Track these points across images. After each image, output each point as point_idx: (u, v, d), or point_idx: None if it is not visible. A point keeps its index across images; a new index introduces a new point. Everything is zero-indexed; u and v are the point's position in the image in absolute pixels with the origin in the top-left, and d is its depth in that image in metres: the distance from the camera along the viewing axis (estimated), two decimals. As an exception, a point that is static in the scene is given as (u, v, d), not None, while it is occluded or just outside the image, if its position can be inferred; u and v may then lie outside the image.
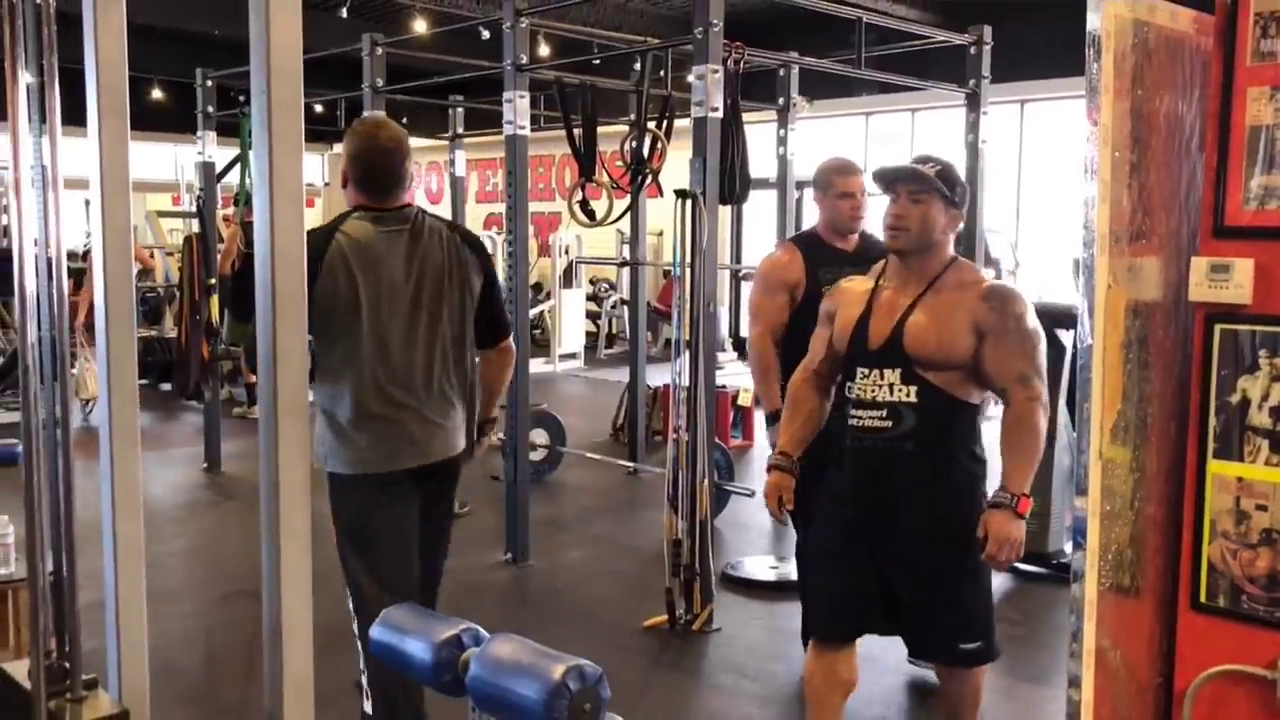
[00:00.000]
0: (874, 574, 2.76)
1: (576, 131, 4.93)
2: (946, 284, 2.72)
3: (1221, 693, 2.36)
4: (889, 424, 2.70)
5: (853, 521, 2.78)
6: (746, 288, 12.64)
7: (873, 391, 2.71)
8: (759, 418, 7.59)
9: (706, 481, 4.26)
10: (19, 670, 1.65)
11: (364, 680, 2.93)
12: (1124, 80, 2.19)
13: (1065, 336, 4.51)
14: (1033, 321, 2.68)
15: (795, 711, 3.61)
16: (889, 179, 2.75)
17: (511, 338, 3.17)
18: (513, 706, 2.03)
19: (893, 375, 2.69)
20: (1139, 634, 2.46)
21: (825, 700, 2.83)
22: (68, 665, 1.61)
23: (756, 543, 5.68)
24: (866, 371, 2.73)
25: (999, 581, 4.62)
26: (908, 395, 2.69)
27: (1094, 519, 2.22)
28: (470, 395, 3.06)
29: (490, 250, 3.17)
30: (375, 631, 2.33)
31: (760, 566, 5.09)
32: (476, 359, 3.06)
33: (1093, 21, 2.12)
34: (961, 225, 2.90)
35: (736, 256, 13.65)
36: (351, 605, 2.91)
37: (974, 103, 5.17)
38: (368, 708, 2.93)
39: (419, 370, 2.87)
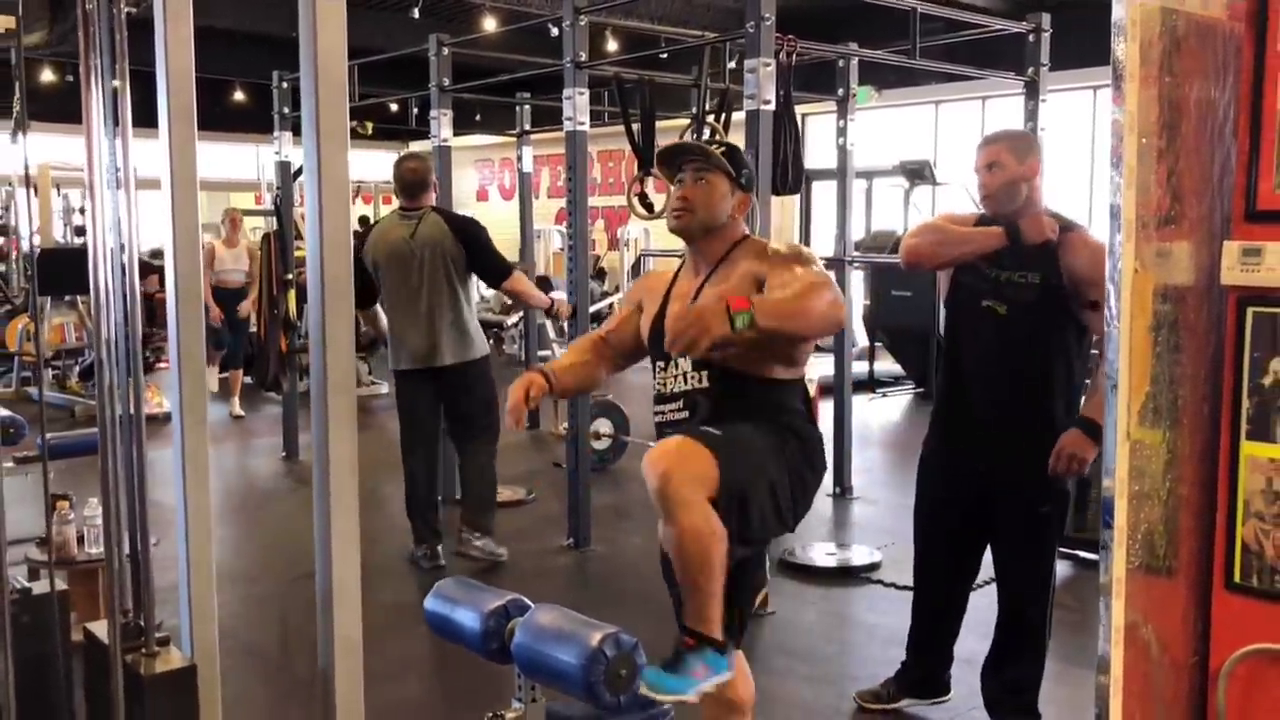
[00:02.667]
0: None
1: (635, 126, 5.03)
2: (734, 259, 2.64)
3: (1256, 671, 2.39)
4: (685, 414, 2.63)
5: None
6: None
7: (670, 384, 2.66)
8: (826, 408, 7.63)
9: (761, 467, 4.33)
10: (102, 629, 1.80)
11: None
12: (1150, 68, 2.22)
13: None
14: (817, 261, 2.61)
15: (845, 693, 3.68)
16: (672, 157, 2.68)
17: (513, 278, 5.02)
18: (554, 671, 2.16)
19: (685, 364, 2.60)
20: (1174, 613, 2.49)
21: None
22: (142, 624, 1.76)
23: (816, 530, 5.74)
24: (664, 365, 2.67)
25: (1062, 569, 4.63)
26: (700, 382, 2.60)
27: (1121, 499, 2.26)
28: (464, 323, 4.83)
29: (477, 230, 4.91)
30: (429, 602, 2.47)
31: (818, 553, 5.15)
32: (475, 297, 5.06)
33: (1117, 11, 2.16)
34: (753, 210, 2.80)
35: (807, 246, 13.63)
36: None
37: (1033, 91, 5.16)
38: None
39: (418, 306, 4.77)
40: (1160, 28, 2.24)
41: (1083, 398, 3.03)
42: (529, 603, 2.34)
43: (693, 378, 2.61)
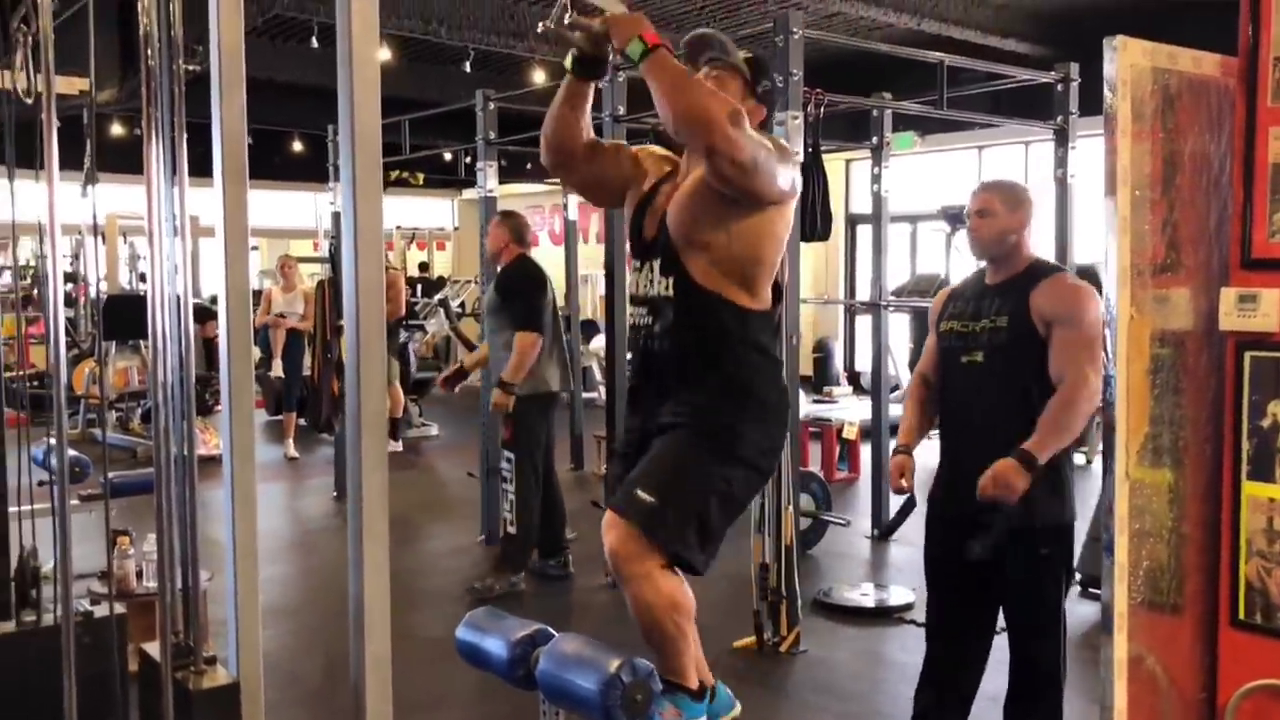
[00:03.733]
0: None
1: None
2: None
3: (1262, 707, 2.44)
4: (649, 320, 2.69)
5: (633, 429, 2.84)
6: (862, 321, 12.74)
7: (643, 287, 2.72)
8: (865, 451, 7.69)
9: (791, 508, 4.44)
10: (155, 649, 1.96)
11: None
12: (1143, 123, 2.34)
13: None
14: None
15: (873, 729, 3.75)
16: (695, 45, 2.72)
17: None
18: (574, 697, 2.29)
19: (656, 269, 2.67)
20: (1181, 649, 2.56)
21: None
22: (191, 645, 1.91)
23: (853, 571, 5.80)
24: (639, 265, 2.74)
25: (1087, 610, 4.66)
26: (666, 290, 2.65)
27: (1121, 536, 2.35)
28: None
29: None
30: (460, 632, 2.61)
31: (852, 593, 5.22)
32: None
33: (1109, 70, 2.28)
34: (763, 120, 2.74)
35: (850, 291, 13.72)
36: None
37: (1062, 138, 5.26)
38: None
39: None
40: (1152, 85, 2.35)
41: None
42: (553, 632, 2.47)
43: (660, 283, 2.64)
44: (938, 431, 3.30)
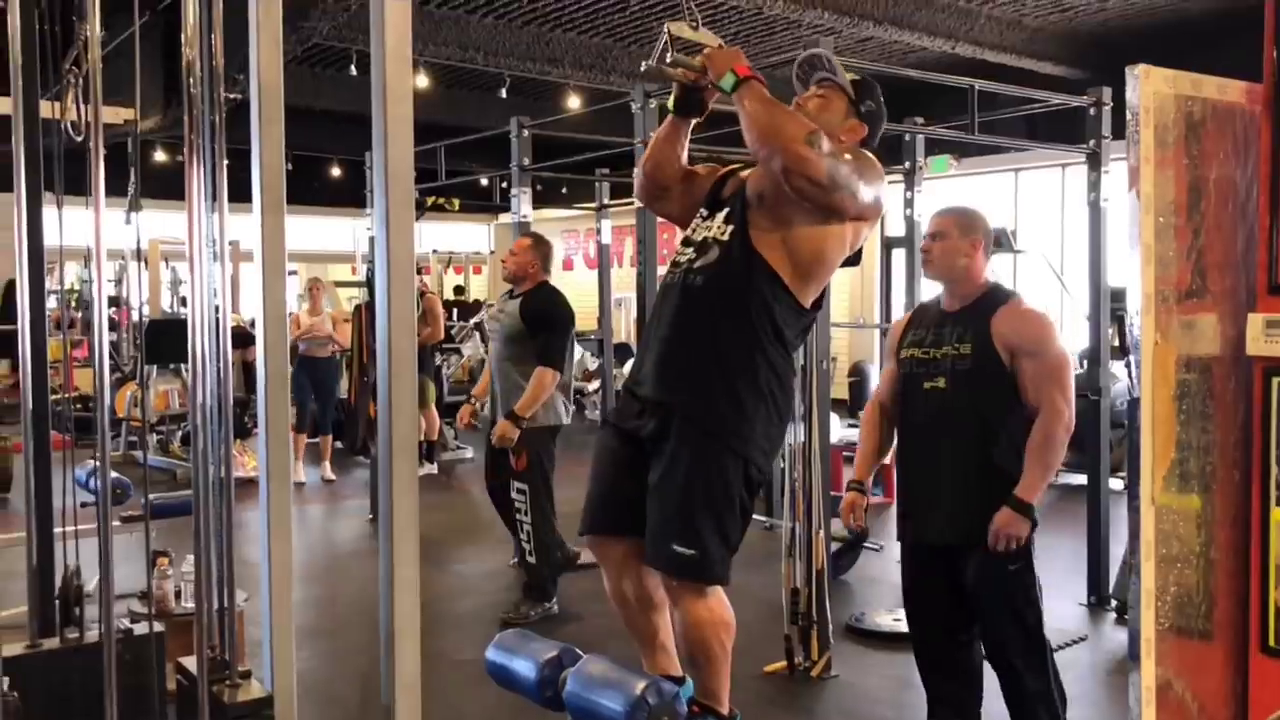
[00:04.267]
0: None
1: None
2: None
3: (1293, 735, 2.43)
4: (692, 256, 2.81)
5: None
6: (897, 347, 12.65)
7: (700, 231, 2.85)
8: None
9: (822, 533, 4.44)
10: (193, 664, 2.01)
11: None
12: (1166, 151, 2.35)
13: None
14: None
15: (903, 754, 3.73)
16: (806, 65, 2.92)
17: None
18: (601, 717, 2.31)
19: (721, 218, 2.81)
20: (1212, 676, 2.55)
21: (632, 620, 3.01)
22: (227, 659, 1.96)
23: (886, 597, 5.76)
24: (707, 214, 2.87)
25: (1122, 637, 4.62)
26: (723, 235, 2.77)
27: (1148, 561, 2.35)
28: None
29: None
30: (490, 653, 2.65)
31: (884, 618, 5.20)
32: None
33: (1131, 99, 2.30)
34: (859, 144, 2.87)
35: (885, 315, 13.67)
36: None
37: (1094, 162, 5.25)
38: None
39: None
40: (1176, 112, 2.37)
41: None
42: (580, 653, 2.50)
43: (718, 228, 2.79)
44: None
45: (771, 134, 2.60)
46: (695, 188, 2.98)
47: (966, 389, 3.00)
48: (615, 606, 3.06)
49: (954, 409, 3.03)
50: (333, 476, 9.19)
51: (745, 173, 2.88)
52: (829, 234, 2.74)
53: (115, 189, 2.40)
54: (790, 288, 2.75)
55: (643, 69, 2.78)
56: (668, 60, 2.70)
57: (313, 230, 16.25)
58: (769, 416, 2.78)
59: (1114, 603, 5.09)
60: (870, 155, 2.82)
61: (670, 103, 2.84)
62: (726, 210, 2.81)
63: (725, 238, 2.76)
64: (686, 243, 2.87)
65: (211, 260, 2.21)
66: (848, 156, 2.70)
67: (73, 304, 10.86)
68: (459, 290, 16.03)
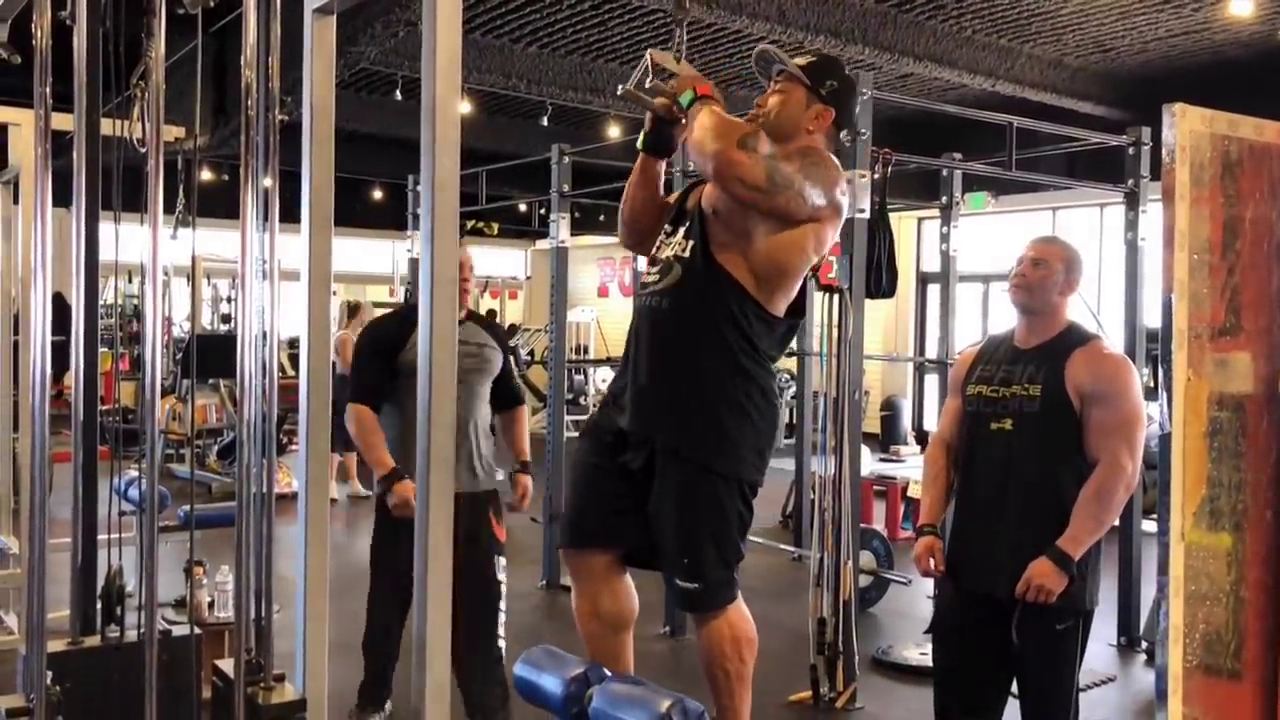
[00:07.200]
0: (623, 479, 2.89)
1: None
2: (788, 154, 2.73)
3: (1322, 779, 2.41)
4: (656, 278, 2.78)
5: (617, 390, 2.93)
6: (931, 380, 12.66)
7: (664, 249, 2.83)
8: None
9: (850, 564, 4.45)
10: (228, 666, 2.06)
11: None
12: (1201, 189, 2.37)
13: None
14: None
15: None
16: (759, 64, 2.88)
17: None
18: (626, 735, 2.33)
19: (682, 235, 2.79)
20: (1240, 715, 2.53)
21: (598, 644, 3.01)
22: (262, 663, 2.01)
23: (914, 630, 5.74)
24: (670, 231, 2.85)
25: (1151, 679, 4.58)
26: (684, 251, 2.74)
27: (1176, 598, 2.35)
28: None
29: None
30: (518, 668, 2.69)
31: (912, 652, 5.18)
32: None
33: (1168, 137, 2.33)
34: (833, 126, 2.84)
35: (920, 349, 13.64)
36: None
37: (1133, 201, 5.26)
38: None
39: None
40: (1211, 152, 2.39)
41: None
42: (607, 671, 2.53)
43: (679, 245, 2.76)
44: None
45: (704, 141, 2.58)
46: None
47: (1034, 433, 2.86)
48: (581, 629, 3.02)
49: (1020, 454, 2.87)
50: (365, 492, 9.27)
51: (707, 185, 2.86)
52: (787, 241, 2.68)
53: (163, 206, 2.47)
54: (757, 299, 2.71)
55: (619, 91, 2.81)
56: (646, 85, 2.73)
57: (353, 251, 16.46)
58: (755, 431, 2.76)
59: (1144, 644, 5.05)
60: (825, 154, 2.74)
61: (640, 140, 2.85)
62: (686, 225, 2.79)
63: (686, 254, 2.75)
64: (653, 262, 2.85)
65: (261, 279, 2.27)
66: (797, 157, 2.65)
67: (115, 318, 11.07)
68: (490, 314, 16.18)
